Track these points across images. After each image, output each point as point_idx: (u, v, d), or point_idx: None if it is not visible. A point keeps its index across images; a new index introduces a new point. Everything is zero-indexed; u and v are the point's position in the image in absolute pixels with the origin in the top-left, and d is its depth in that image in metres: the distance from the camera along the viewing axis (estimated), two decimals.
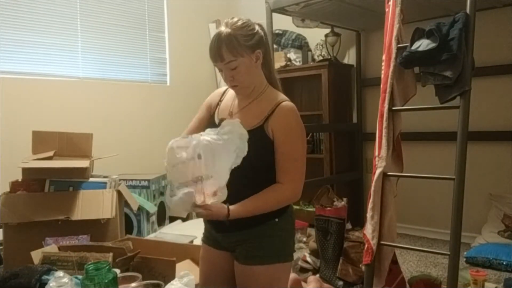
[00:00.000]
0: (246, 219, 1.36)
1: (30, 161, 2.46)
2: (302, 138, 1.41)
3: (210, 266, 1.54)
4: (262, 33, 1.42)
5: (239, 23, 1.37)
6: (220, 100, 1.54)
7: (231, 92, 1.53)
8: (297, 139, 1.39)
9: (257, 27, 1.41)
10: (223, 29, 1.36)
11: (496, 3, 3.06)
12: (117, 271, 1.51)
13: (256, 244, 1.41)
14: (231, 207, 1.31)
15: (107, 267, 1.30)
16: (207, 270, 1.55)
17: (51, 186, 2.48)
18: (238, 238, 1.42)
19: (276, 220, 1.42)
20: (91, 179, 2.55)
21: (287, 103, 1.40)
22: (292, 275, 2.30)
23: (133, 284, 1.36)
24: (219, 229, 1.45)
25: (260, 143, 1.36)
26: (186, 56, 4.37)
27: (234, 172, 1.30)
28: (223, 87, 1.57)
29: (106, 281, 1.27)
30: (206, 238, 1.55)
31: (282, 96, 1.45)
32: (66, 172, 2.48)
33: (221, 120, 1.46)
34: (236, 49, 1.34)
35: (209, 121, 1.52)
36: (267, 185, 1.37)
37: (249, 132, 1.34)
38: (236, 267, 1.45)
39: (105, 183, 2.53)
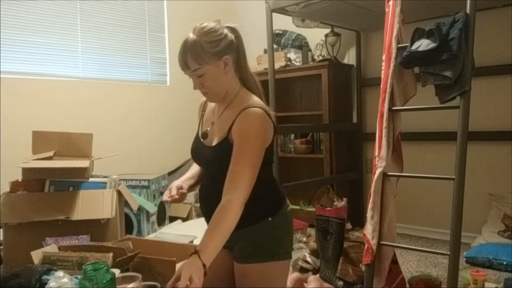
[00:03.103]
0: (241, 219, 1.36)
1: (30, 161, 2.46)
2: (259, 146, 1.32)
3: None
4: (233, 37, 1.37)
5: (206, 28, 1.33)
6: (203, 110, 1.55)
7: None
8: (252, 146, 1.30)
9: (226, 31, 1.36)
10: (190, 35, 1.33)
11: (496, 3, 3.05)
12: (117, 271, 1.51)
13: (252, 243, 1.42)
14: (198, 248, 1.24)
15: (105, 268, 1.30)
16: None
17: (51, 186, 2.48)
18: (236, 237, 1.41)
19: (270, 219, 1.43)
20: (91, 179, 2.55)
21: (252, 108, 1.32)
22: (295, 274, 2.31)
23: (131, 285, 1.35)
24: None
25: (228, 154, 1.32)
26: None
27: (211, 180, 1.34)
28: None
29: (105, 281, 1.27)
30: None
31: (253, 100, 1.37)
32: (66, 172, 2.48)
33: (204, 134, 1.46)
34: (201, 57, 1.31)
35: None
36: None
37: (217, 145, 1.38)
38: (234, 266, 1.47)
39: (105, 183, 2.53)
